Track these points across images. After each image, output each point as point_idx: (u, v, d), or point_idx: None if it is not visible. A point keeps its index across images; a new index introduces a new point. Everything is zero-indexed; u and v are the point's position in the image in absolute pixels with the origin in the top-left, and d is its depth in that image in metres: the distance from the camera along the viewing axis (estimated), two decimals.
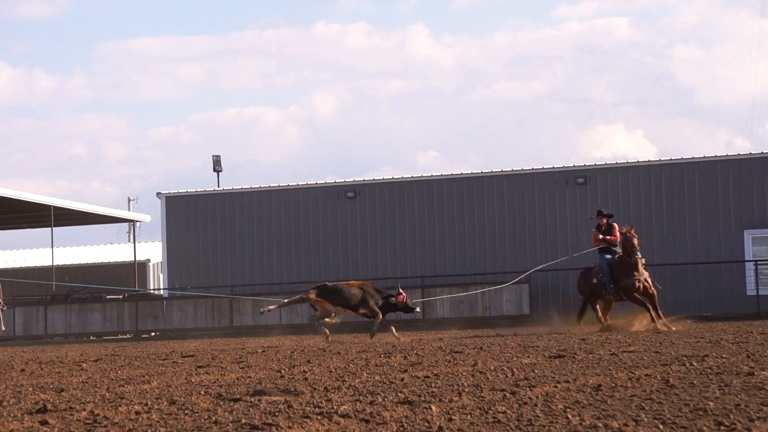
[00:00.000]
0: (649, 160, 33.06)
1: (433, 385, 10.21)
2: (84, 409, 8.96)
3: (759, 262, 30.20)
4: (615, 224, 22.61)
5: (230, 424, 7.82)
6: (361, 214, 33.72)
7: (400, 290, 21.51)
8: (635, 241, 21.83)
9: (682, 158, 32.06)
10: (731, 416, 7.44)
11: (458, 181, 33.44)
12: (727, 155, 31.96)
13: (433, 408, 8.25)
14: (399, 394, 9.35)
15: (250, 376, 12.16)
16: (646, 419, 7.45)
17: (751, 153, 32.35)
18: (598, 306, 22.32)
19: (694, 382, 9.72)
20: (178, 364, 15.20)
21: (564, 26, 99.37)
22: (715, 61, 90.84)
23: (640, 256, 21.85)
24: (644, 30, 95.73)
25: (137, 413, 8.65)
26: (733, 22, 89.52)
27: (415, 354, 15.21)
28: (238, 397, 9.56)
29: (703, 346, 14.92)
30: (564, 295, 31.19)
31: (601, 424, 7.31)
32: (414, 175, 34.32)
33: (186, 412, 8.67)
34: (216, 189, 37.18)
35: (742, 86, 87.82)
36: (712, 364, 11.53)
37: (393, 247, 33.11)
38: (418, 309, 21.67)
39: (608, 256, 22.27)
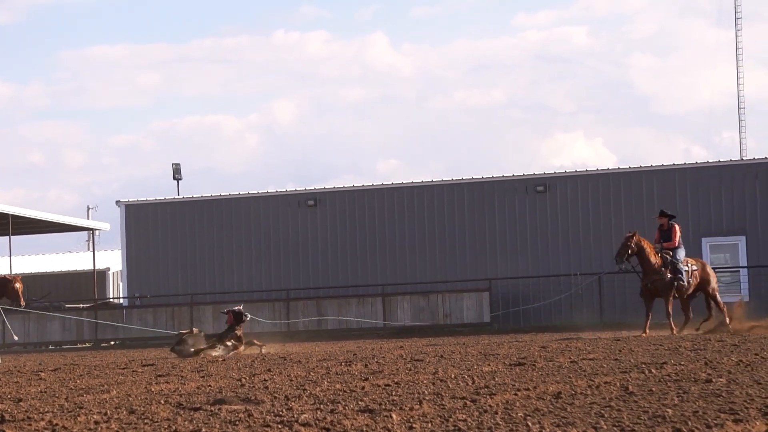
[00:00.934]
0: (608, 168, 33.25)
1: (393, 393, 10.22)
2: (42, 419, 8.90)
3: (716, 270, 30.37)
4: (676, 226, 22.44)
5: None
6: (321, 222, 33.70)
7: (225, 311, 21.89)
8: (628, 245, 21.92)
9: (640, 166, 32.29)
10: (689, 423, 7.50)
11: (419, 189, 33.49)
12: (685, 164, 32.21)
13: (394, 416, 8.26)
14: (360, 403, 9.34)
15: (210, 385, 12.12)
16: (605, 426, 7.50)
17: (708, 161, 32.63)
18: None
19: (653, 389, 9.78)
20: (137, 373, 15.12)
21: (523, 35, 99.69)
22: (673, 69, 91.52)
23: (628, 261, 22.13)
24: (602, 39, 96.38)
25: (96, 423, 8.60)
26: (689, 32, 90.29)
27: (376, 362, 15.21)
28: (198, 406, 9.52)
29: (661, 353, 15.02)
30: (524, 303, 31.34)
31: (560, 431, 7.35)
32: (375, 183, 34.34)
33: (146, 421, 8.63)
34: (176, 197, 37.02)
35: (699, 95, 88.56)
36: (670, 372, 11.61)
37: (354, 255, 33.11)
38: (247, 315, 21.69)
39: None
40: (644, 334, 21.19)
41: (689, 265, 22.44)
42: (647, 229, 31.37)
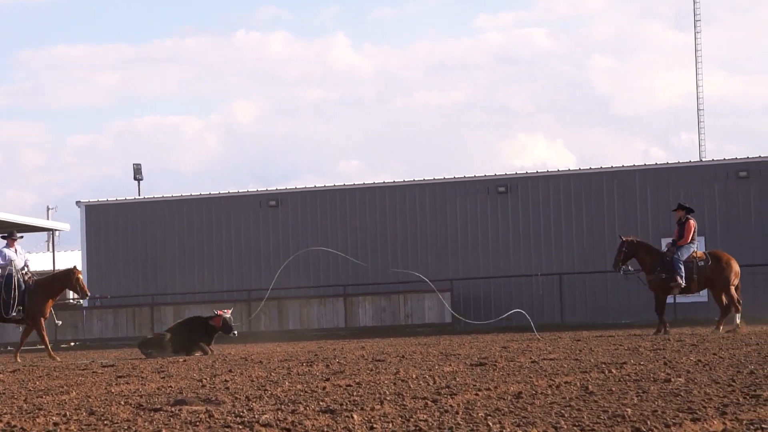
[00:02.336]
0: (568, 169, 33.43)
1: (354, 393, 10.22)
2: (0, 421, 8.84)
3: None
4: (691, 221, 22.08)
5: None
6: (282, 223, 33.65)
7: (216, 312, 20.97)
8: (621, 250, 22.28)
9: (600, 167, 32.48)
10: (648, 422, 7.55)
11: (380, 189, 33.51)
12: (645, 164, 32.43)
13: (355, 416, 8.26)
14: (321, 403, 9.34)
15: (170, 386, 12.07)
16: (565, 426, 7.54)
17: (667, 162, 32.87)
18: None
19: (613, 389, 9.84)
20: (97, 374, 15.04)
21: (483, 36, 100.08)
22: (632, 71, 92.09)
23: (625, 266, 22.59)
24: (562, 40, 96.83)
25: (56, 424, 8.55)
26: (648, 34, 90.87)
27: (338, 363, 15.21)
28: (159, 407, 9.49)
29: (621, 353, 15.11)
30: (485, 303, 31.43)
31: (521, 431, 7.38)
32: (336, 184, 34.33)
33: (105, 422, 8.59)
34: (137, 198, 36.84)
35: (658, 96, 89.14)
36: (630, 371, 11.68)
37: (315, 255, 33.08)
38: (234, 333, 20.84)
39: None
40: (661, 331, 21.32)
41: (695, 261, 21.96)
42: (606, 230, 31.66)
